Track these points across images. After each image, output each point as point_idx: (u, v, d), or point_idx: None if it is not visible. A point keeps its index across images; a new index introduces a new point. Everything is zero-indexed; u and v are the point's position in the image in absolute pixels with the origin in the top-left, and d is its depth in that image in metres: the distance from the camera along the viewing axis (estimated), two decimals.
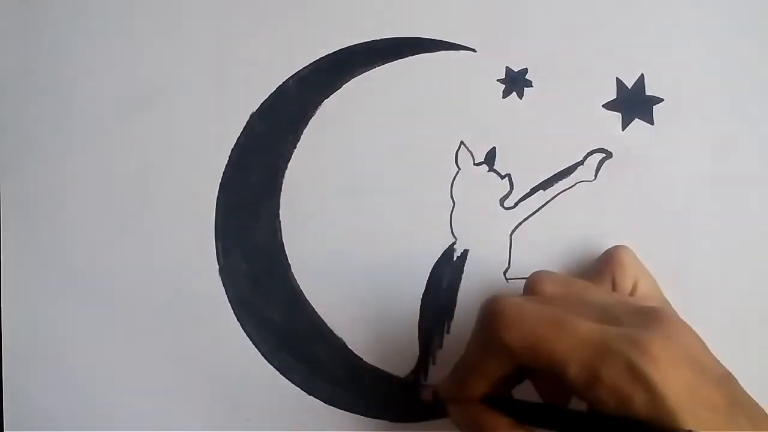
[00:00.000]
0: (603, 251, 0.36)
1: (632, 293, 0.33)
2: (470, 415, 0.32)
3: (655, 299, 0.33)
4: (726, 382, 0.28)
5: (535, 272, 0.33)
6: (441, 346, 0.37)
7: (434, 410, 0.36)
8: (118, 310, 0.38)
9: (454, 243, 0.37)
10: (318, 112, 0.38)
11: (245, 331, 0.38)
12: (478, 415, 0.31)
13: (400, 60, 0.38)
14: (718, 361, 0.28)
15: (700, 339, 0.29)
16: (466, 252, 0.37)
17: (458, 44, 0.37)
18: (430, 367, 0.37)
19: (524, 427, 0.31)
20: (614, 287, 0.34)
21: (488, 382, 0.31)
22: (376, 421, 0.37)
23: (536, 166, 0.37)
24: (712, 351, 0.28)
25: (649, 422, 0.26)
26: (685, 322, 0.29)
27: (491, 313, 0.30)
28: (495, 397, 0.31)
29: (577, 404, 0.29)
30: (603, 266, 0.34)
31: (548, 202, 0.37)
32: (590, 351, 0.27)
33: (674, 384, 0.26)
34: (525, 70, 0.37)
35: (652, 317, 0.29)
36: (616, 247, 0.35)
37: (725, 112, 0.37)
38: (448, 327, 0.37)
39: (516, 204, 0.37)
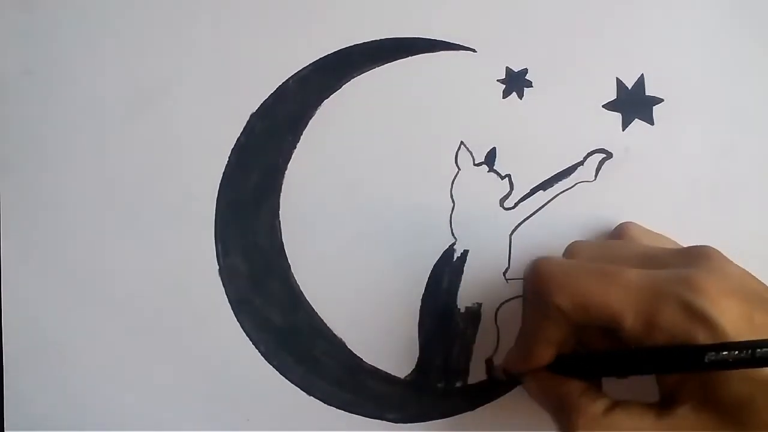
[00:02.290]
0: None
1: None
2: (541, 385, 0.32)
3: None
4: None
5: (572, 242, 0.33)
6: (440, 346, 0.37)
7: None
8: (118, 310, 0.38)
9: (454, 243, 0.37)
10: (318, 112, 0.38)
11: (245, 331, 0.38)
12: (551, 385, 0.32)
13: (400, 60, 0.38)
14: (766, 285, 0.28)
15: (747, 271, 0.29)
16: (466, 252, 0.37)
17: (458, 44, 0.37)
18: (429, 368, 0.37)
19: (594, 386, 0.31)
20: None
21: (550, 349, 0.31)
22: (376, 421, 0.37)
23: (536, 167, 0.37)
24: None
25: (713, 345, 0.26)
26: (728, 258, 0.29)
27: (538, 278, 0.30)
28: (566, 356, 0.31)
29: None
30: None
31: (548, 202, 0.37)
32: (642, 297, 0.28)
33: (731, 314, 0.27)
34: (525, 70, 0.37)
35: (697, 255, 0.29)
36: (624, 224, 0.35)
37: (725, 112, 0.37)
38: (448, 327, 0.37)
39: (516, 204, 0.37)
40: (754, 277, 0.29)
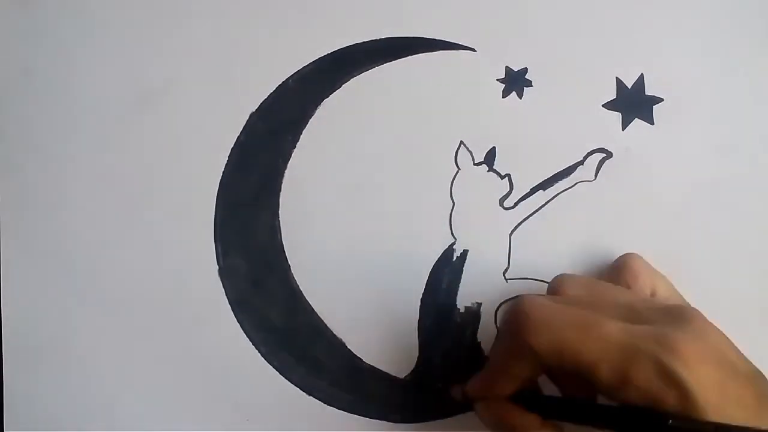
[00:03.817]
0: (613, 260, 0.35)
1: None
2: (499, 413, 0.32)
3: (676, 301, 0.33)
4: (755, 380, 0.27)
5: (558, 276, 0.33)
6: (440, 346, 0.37)
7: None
8: (118, 310, 0.38)
9: (453, 243, 0.37)
10: (318, 112, 0.38)
11: (245, 332, 0.38)
12: (506, 413, 0.31)
13: (400, 60, 0.38)
14: (747, 359, 0.28)
15: (727, 337, 0.28)
16: (465, 252, 0.37)
17: (458, 44, 0.37)
18: (429, 368, 0.37)
19: (551, 423, 0.31)
20: None
21: (516, 383, 0.31)
22: (376, 421, 0.37)
23: (536, 166, 0.37)
24: None
25: (678, 414, 0.26)
26: (710, 322, 0.29)
27: (517, 316, 0.30)
28: (523, 392, 0.31)
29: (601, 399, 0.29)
30: (615, 276, 0.34)
31: (548, 202, 0.37)
32: (619, 353, 0.27)
33: (704, 382, 0.26)
34: (525, 70, 0.37)
35: (679, 316, 0.28)
36: (626, 256, 0.35)
37: (725, 111, 0.37)
38: (448, 327, 0.37)
39: (516, 204, 0.37)
40: (733, 345, 0.28)
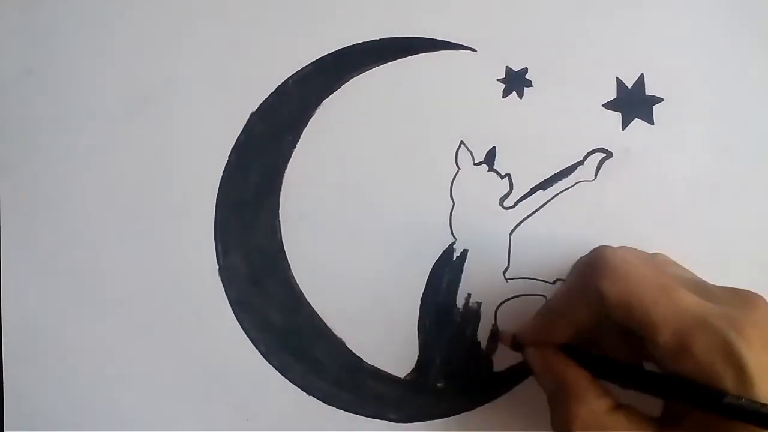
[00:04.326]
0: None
1: None
2: (550, 361, 0.32)
3: None
4: None
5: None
6: (440, 346, 0.37)
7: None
8: (118, 310, 0.38)
9: (453, 243, 0.37)
10: (318, 112, 0.38)
11: (245, 331, 0.38)
12: (558, 363, 0.31)
13: (400, 60, 0.38)
14: None
15: None
16: (465, 252, 0.37)
17: (458, 44, 0.37)
18: (429, 368, 0.37)
19: (601, 382, 0.30)
20: None
21: (572, 329, 0.31)
22: (376, 421, 0.37)
23: (536, 166, 0.37)
24: None
25: (736, 396, 0.26)
26: None
27: (596, 260, 0.30)
28: (575, 348, 0.31)
29: None
30: None
31: (548, 202, 0.37)
32: (688, 321, 0.27)
33: (765, 370, 0.26)
34: (525, 70, 0.37)
35: (746, 300, 0.29)
36: (655, 254, 0.34)
37: (725, 111, 0.37)
38: (448, 327, 0.37)
39: (516, 204, 0.37)
40: None
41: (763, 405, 0.26)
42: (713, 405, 0.27)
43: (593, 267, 0.30)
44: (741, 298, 0.29)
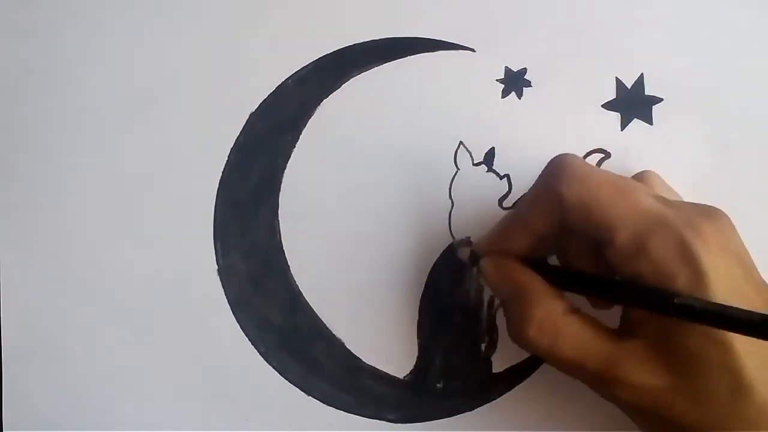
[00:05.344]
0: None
1: None
2: (505, 270, 0.31)
3: None
4: (766, 289, 0.28)
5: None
6: (439, 346, 0.37)
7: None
8: (118, 310, 0.38)
9: (453, 243, 0.37)
10: (318, 112, 0.38)
11: (244, 332, 0.38)
12: (514, 271, 0.31)
13: (400, 60, 0.38)
14: (760, 274, 0.28)
15: (747, 250, 0.29)
16: None
17: (457, 44, 0.37)
18: (429, 368, 0.37)
19: (556, 289, 0.30)
20: None
21: (531, 239, 0.30)
22: (375, 421, 0.37)
23: (535, 166, 0.37)
24: None
25: (687, 296, 0.26)
26: (737, 230, 0.29)
27: (556, 165, 0.30)
28: (532, 259, 0.31)
29: None
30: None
31: None
32: (645, 220, 0.27)
33: (719, 270, 0.26)
34: (524, 70, 0.37)
35: (710, 212, 0.29)
36: (644, 171, 0.34)
37: (724, 112, 0.37)
38: (448, 327, 0.37)
39: (515, 204, 0.37)
40: (751, 258, 0.29)
41: (714, 304, 0.26)
42: (665, 306, 0.26)
43: (553, 171, 0.29)
44: (703, 210, 0.29)
